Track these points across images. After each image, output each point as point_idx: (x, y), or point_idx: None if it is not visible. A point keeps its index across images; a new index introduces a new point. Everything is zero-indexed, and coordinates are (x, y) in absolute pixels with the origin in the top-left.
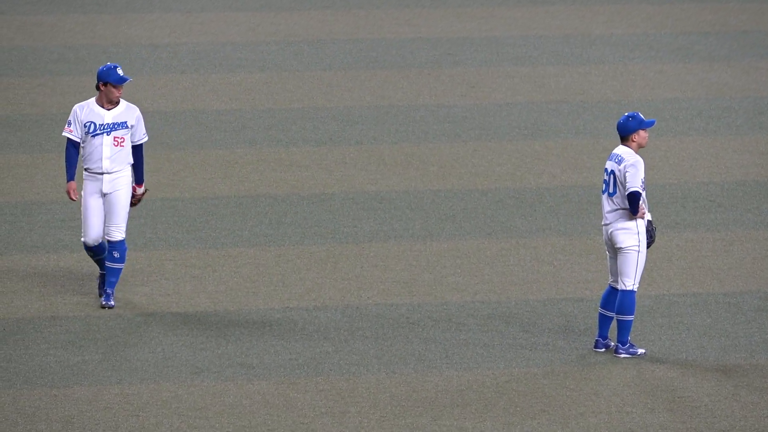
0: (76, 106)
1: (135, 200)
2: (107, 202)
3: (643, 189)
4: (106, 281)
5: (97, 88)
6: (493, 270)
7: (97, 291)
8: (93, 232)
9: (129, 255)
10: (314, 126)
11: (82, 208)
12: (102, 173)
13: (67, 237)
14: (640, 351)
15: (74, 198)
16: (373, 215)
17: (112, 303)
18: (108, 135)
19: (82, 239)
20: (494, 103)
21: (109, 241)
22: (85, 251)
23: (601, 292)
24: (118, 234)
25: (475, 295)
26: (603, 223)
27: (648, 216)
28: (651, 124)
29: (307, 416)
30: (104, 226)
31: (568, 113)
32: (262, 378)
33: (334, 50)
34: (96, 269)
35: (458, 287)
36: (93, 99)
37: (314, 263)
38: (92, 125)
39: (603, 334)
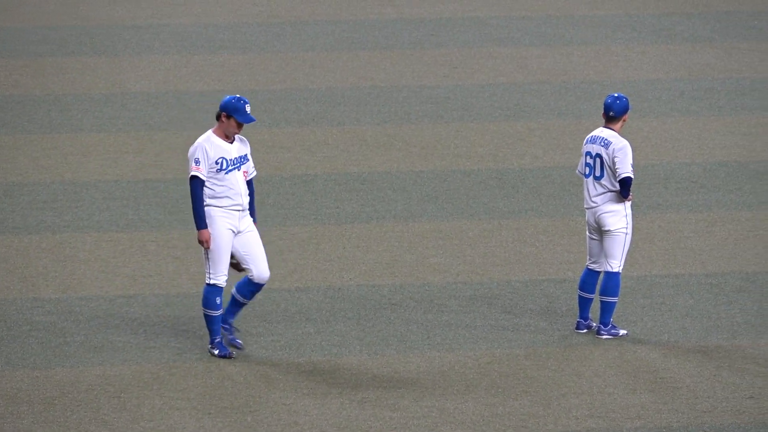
0: (202, 143)
1: None
2: (246, 242)
3: (633, 173)
4: (230, 311)
5: (218, 117)
6: (475, 251)
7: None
8: (226, 272)
9: (111, 236)
10: (297, 107)
11: (213, 248)
12: (242, 210)
13: (50, 218)
14: (622, 332)
15: (211, 246)
16: (356, 196)
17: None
18: (239, 170)
19: (212, 281)
20: (477, 84)
21: (262, 281)
22: (211, 299)
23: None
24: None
25: (457, 276)
26: (587, 206)
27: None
28: (631, 107)
29: (289, 397)
30: (248, 266)
31: (550, 94)
32: (244, 359)
33: (316, 31)
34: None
35: (440, 268)
36: (211, 133)
37: (296, 244)
38: (224, 161)
39: (584, 315)
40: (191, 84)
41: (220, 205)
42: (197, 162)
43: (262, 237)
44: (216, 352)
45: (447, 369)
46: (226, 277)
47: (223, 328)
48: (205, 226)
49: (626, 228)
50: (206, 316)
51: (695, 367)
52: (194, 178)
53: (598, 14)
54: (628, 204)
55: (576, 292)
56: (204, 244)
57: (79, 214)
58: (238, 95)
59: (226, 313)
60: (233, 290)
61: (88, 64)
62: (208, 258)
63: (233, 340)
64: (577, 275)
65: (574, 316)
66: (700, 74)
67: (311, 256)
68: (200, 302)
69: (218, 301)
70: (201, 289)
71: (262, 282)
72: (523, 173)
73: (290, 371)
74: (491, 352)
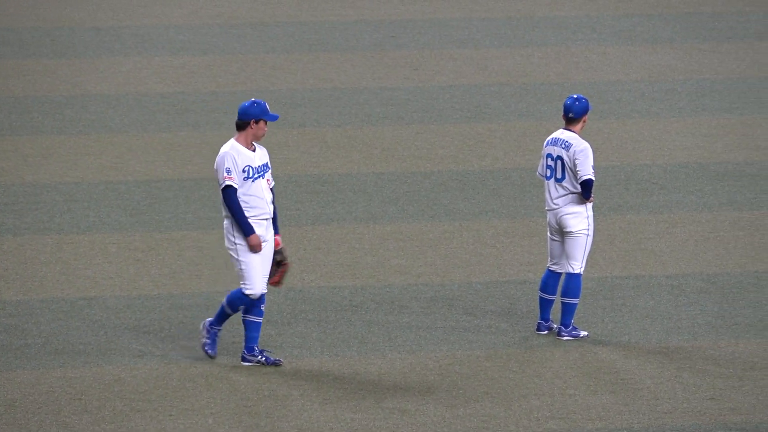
0: (230, 152)
1: (283, 268)
2: (265, 251)
3: (594, 174)
4: (249, 337)
5: (245, 126)
6: (436, 253)
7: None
8: (262, 283)
9: (72, 239)
10: None
11: (246, 259)
12: (268, 218)
13: (10, 221)
14: (583, 333)
15: (244, 258)
16: (316, 198)
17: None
18: (263, 178)
19: (249, 291)
20: (437, 86)
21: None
22: (239, 304)
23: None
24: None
25: (418, 278)
26: (548, 208)
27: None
28: (591, 108)
29: (250, 399)
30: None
31: (510, 95)
32: (206, 361)
33: (277, 33)
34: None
35: (401, 270)
36: (233, 141)
37: None
38: (250, 169)
39: (545, 316)
40: (151, 86)
41: (249, 214)
42: (228, 171)
43: (223, 239)
44: (263, 359)
45: (408, 370)
46: (262, 287)
47: (252, 355)
48: (253, 231)
49: (587, 229)
50: (247, 323)
51: (656, 369)
52: (229, 188)
53: (558, 15)
54: (589, 206)
55: (537, 294)
56: (256, 248)
57: (40, 216)
58: (251, 99)
59: (248, 341)
60: (242, 317)
61: (49, 66)
62: (242, 270)
63: (208, 346)
64: (538, 277)
65: (535, 318)
66: (661, 75)
67: None
68: (164, 304)
69: (240, 308)
70: (162, 291)
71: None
72: (483, 175)
73: (251, 373)
74: (452, 353)
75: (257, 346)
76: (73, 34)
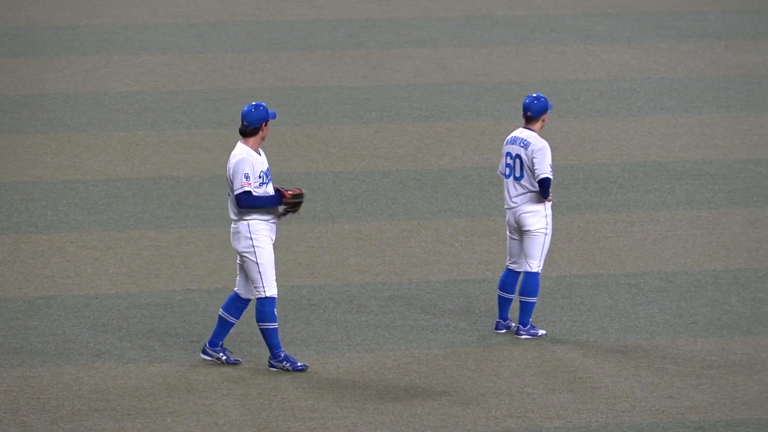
0: (247, 158)
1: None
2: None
3: (552, 173)
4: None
5: (255, 131)
6: (395, 251)
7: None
8: (276, 282)
9: (30, 238)
10: (216, 108)
11: (264, 261)
12: (276, 222)
13: None
14: (541, 332)
15: (261, 261)
16: None
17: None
18: (271, 182)
19: (270, 293)
20: (396, 85)
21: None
22: (269, 309)
23: (501, 273)
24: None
25: (376, 277)
26: (507, 206)
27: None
28: (551, 107)
29: (208, 398)
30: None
31: (469, 95)
32: (164, 360)
33: (235, 32)
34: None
35: (360, 269)
36: (246, 147)
37: (216, 245)
38: (263, 174)
39: (503, 315)
40: (110, 85)
41: (263, 218)
42: (247, 177)
43: (181, 238)
44: (288, 365)
45: (366, 369)
46: (276, 286)
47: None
48: (281, 200)
49: (546, 228)
50: (266, 331)
51: (614, 367)
52: (248, 193)
53: (517, 15)
54: (548, 204)
55: (495, 292)
56: (292, 198)
57: None
58: (250, 104)
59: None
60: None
61: (7, 65)
62: (260, 272)
63: (232, 359)
64: (496, 275)
65: (494, 317)
66: (619, 75)
67: (231, 257)
68: (122, 303)
69: (276, 312)
70: (120, 290)
71: (247, 298)
72: (442, 174)
73: (210, 372)
74: (410, 352)
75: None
76: (32, 34)
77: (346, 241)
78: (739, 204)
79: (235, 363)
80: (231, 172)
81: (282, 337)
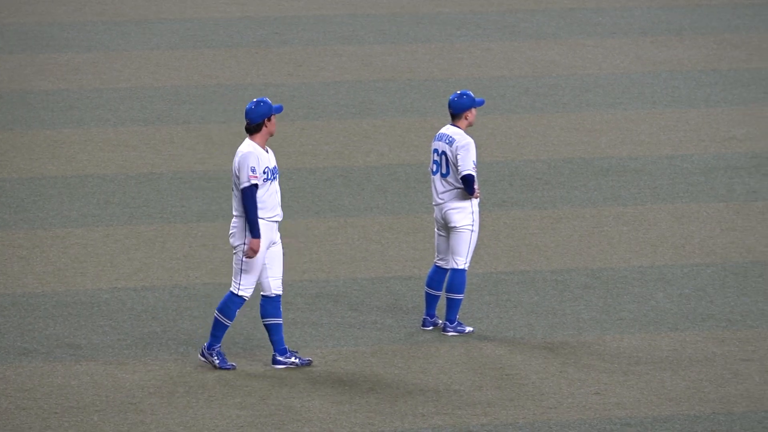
0: (253, 152)
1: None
2: (271, 253)
3: (475, 170)
4: (276, 338)
5: (258, 128)
6: (321, 249)
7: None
8: (253, 286)
9: None
10: (142, 105)
11: (249, 261)
12: (279, 221)
13: None
14: (468, 329)
15: (248, 258)
16: (201, 195)
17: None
18: (276, 179)
19: (242, 292)
20: (322, 82)
21: (278, 295)
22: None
23: (429, 270)
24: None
25: (303, 274)
26: (434, 203)
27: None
28: (481, 103)
29: (135, 396)
30: (262, 278)
31: (395, 92)
32: (91, 358)
33: (161, 30)
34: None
35: (286, 266)
36: (252, 143)
37: (142, 243)
38: (269, 171)
39: (430, 312)
40: (36, 83)
41: (264, 216)
42: (253, 170)
43: (107, 236)
44: (217, 361)
45: (293, 367)
46: (252, 291)
47: (211, 355)
48: (260, 235)
49: (472, 225)
50: (217, 322)
51: (541, 364)
52: (254, 186)
53: (442, 11)
54: (474, 201)
55: (422, 289)
56: (253, 254)
57: None
58: (253, 100)
59: (213, 339)
60: (216, 313)
61: None
62: (241, 269)
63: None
64: (423, 272)
65: (420, 313)
66: (545, 71)
67: (157, 255)
68: (48, 302)
69: (236, 313)
70: (46, 289)
71: (272, 295)
72: (368, 171)
73: (137, 370)
74: (337, 349)
75: (219, 347)
76: None
77: None
78: (664, 200)
79: (307, 363)
80: (236, 166)
81: (209, 335)
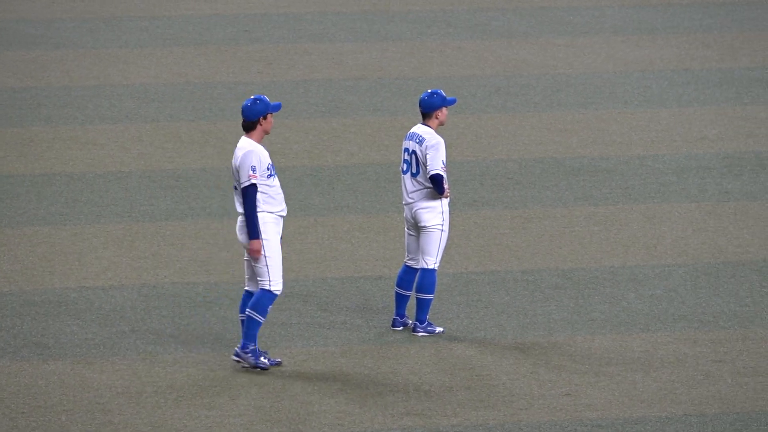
0: (254, 150)
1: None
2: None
3: (445, 170)
4: (251, 334)
5: (253, 125)
6: (291, 248)
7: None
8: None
9: None
10: (110, 103)
11: (271, 254)
12: (284, 215)
13: None
14: (438, 329)
15: (270, 253)
16: (170, 193)
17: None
18: (276, 176)
19: (275, 288)
20: (292, 81)
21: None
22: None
23: (399, 270)
24: None
25: None
26: (405, 202)
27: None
28: (453, 102)
29: (103, 396)
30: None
31: (365, 90)
32: (58, 358)
33: (130, 27)
34: None
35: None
36: (251, 141)
37: (110, 242)
38: (270, 167)
39: (400, 312)
40: (3, 80)
41: (272, 210)
42: (254, 170)
43: (75, 235)
44: (252, 359)
45: (262, 368)
46: (282, 284)
47: (246, 354)
48: (260, 236)
49: (442, 225)
50: (250, 320)
51: (512, 365)
52: (254, 186)
53: (413, 10)
54: (444, 201)
55: (392, 289)
56: (256, 253)
57: None
58: (251, 97)
59: (247, 339)
60: (248, 311)
61: None
62: (267, 265)
63: (263, 362)
64: (393, 272)
65: (390, 313)
66: (516, 70)
67: (125, 254)
68: (16, 301)
69: (269, 309)
70: (14, 288)
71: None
72: (338, 170)
73: (104, 370)
74: (307, 350)
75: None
76: None
77: None
78: (636, 200)
79: (276, 364)
80: (237, 164)
81: (177, 335)
